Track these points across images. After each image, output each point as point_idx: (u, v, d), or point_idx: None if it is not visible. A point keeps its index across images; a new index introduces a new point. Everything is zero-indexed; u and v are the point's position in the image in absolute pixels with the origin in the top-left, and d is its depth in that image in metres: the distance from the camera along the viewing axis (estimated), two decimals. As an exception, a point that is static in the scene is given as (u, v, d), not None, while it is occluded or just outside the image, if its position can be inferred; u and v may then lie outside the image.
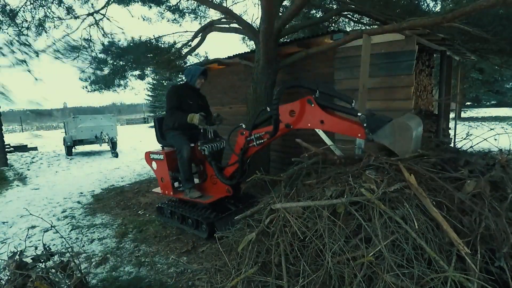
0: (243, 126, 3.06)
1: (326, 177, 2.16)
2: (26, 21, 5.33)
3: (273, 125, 2.67)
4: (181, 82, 3.89)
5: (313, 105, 2.44)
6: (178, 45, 6.59)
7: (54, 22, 5.60)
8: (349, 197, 1.84)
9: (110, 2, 5.75)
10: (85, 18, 5.69)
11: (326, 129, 2.47)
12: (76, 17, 5.64)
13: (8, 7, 5.15)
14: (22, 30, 5.31)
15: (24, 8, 5.25)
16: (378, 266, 1.54)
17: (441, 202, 1.73)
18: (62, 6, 5.57)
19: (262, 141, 2.92)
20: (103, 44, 6.04)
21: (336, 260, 1.65)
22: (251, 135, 2.96)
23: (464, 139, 2.43)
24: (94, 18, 5.85)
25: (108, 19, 5.95)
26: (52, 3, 5.45)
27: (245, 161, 3.15)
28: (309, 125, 2.51)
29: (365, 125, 2.15)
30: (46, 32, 5.50)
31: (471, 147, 2.39)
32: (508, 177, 1.85)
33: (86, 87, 6.68)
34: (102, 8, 5.80)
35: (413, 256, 1.54)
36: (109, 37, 6.02)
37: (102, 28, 5.98)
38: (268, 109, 2.71)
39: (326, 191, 1.99)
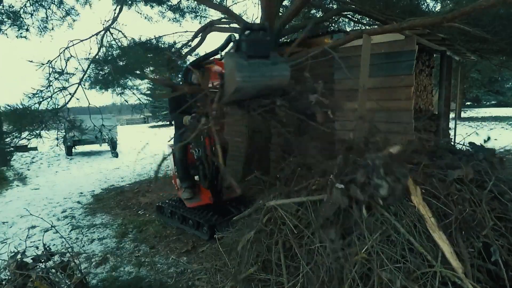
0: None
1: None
2: (25, 23, 5.30)
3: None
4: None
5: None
6: (178, 45, 6.58)
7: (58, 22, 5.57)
8: None
9: (117, 16, 5.68)
10: (96, 34, 5.62)
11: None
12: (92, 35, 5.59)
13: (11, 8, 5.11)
14: (21, 32, 5.28)
15: (24, 8, 5.22)
16: (373, 262, 1.54)
17: (429, 190, 1.76)
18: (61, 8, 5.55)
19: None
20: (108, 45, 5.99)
21: (331, 257, 1.64)
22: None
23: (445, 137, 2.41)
24: (109, 30, 5.78)
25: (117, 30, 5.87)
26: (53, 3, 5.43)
27: (209, 163, 3.18)
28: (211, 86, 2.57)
29: (243, 38, 1.77)
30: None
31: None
32: (493, 169, 1.86)
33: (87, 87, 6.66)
34: (112, 22, 5.71)
35: (407, 248, 1.54)
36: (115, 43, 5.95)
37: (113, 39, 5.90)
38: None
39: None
